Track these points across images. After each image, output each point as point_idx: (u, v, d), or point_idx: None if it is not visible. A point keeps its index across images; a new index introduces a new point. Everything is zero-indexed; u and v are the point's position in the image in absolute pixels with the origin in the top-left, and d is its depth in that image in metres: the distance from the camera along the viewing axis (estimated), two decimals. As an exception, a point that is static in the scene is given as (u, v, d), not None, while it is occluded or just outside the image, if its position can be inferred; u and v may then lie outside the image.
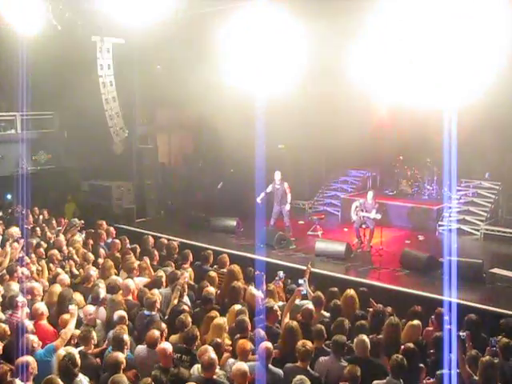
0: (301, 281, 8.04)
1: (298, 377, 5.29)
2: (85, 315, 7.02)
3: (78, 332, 6.53)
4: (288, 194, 12.77)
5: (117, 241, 10.62)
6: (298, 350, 5.84)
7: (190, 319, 6.77)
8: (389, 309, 7.50)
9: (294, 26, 11.74)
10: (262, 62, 12.69)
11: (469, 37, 10.18)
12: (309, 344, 5.88)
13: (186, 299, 7.89)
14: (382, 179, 16.51)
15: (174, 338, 6.72)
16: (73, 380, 5.52)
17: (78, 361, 5.67)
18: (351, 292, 7.60)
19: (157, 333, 6.29)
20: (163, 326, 6.66)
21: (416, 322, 6.80)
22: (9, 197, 14.35)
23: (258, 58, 12.71)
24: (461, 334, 6.01)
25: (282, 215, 12.95)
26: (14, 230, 10.70)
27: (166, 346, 5.99)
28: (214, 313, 7.06)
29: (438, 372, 5.67)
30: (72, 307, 6.71)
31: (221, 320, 6.75)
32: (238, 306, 7.31)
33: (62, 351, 6.06)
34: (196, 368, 5.83)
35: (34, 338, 6.18)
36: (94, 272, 8.76)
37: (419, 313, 7.20)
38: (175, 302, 7.62)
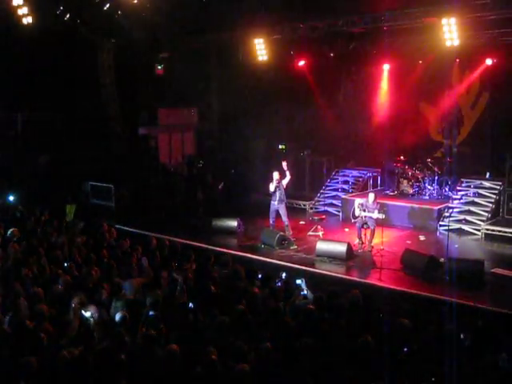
0: (298, 281, 8.03)
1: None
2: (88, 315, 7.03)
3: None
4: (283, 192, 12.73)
5: (118, 241, 10.63)
6: None
7: None
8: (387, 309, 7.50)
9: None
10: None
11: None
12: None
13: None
14: (382, 179, 16.52)
15: None
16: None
17: None
18: (355, 291, 7.59)
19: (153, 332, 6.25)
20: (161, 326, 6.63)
21: (405, 321, 6.75)
22: (11, 198, 14.34)
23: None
24: (461, 335, 6.02)
25: (279, 214, 12.93)
26: (13, 231, 10.71)
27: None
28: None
29: (436, 375, 5.65)
30: (74, 305, 6.73)
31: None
32: (240, 307, 7.29)
33: None
34: None
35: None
36: (94, 273, 8.76)
37: (408, 311, 7.20)
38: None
